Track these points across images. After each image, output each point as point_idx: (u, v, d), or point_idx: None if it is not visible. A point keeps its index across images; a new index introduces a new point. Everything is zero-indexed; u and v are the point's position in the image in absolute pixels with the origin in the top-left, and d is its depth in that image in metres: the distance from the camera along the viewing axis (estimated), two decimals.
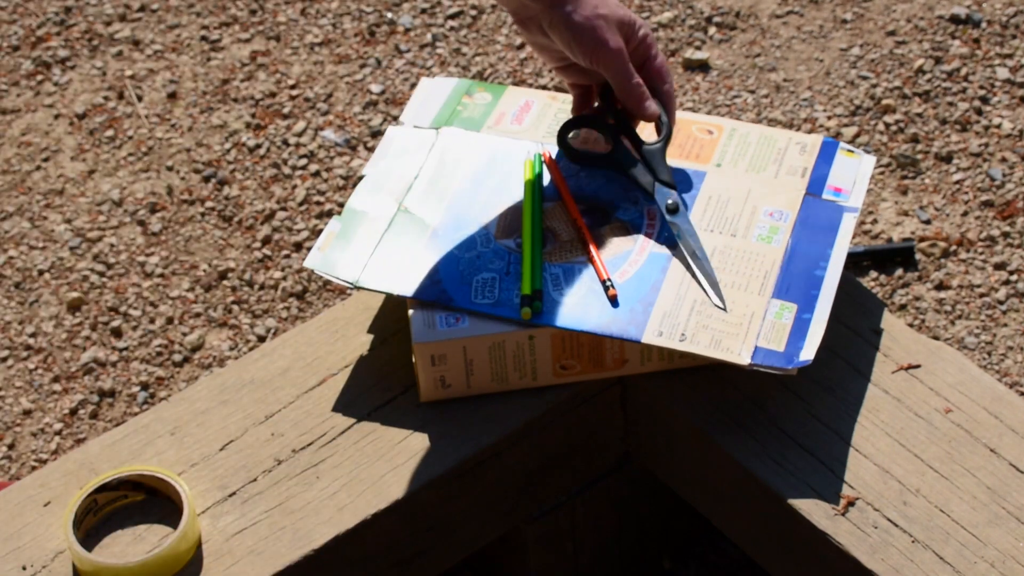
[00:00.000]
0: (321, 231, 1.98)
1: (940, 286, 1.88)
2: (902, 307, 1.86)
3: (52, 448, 1.79)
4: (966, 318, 1.84)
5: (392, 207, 1.36)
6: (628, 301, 1.27)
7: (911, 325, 1.83)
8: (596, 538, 1.47)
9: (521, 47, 2.23)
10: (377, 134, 2.11)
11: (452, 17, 2.28)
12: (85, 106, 2.18)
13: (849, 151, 1.40)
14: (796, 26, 2.24)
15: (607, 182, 1.37)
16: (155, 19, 2.32)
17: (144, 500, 1.24)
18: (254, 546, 1.21)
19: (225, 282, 1.95)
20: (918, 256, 1.91)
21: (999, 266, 1.89)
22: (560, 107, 1.45)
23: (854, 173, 1.38)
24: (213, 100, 2.18)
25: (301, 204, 2.02)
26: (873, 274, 1.89)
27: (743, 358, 1.22)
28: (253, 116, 2.15)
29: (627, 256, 1.31)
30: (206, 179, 2.07)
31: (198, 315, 1.91)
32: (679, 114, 1.43)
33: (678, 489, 1.37)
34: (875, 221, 1.96)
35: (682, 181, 1.37)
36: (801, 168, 1.38)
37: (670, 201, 1.32)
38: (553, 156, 1.39)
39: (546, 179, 1.37)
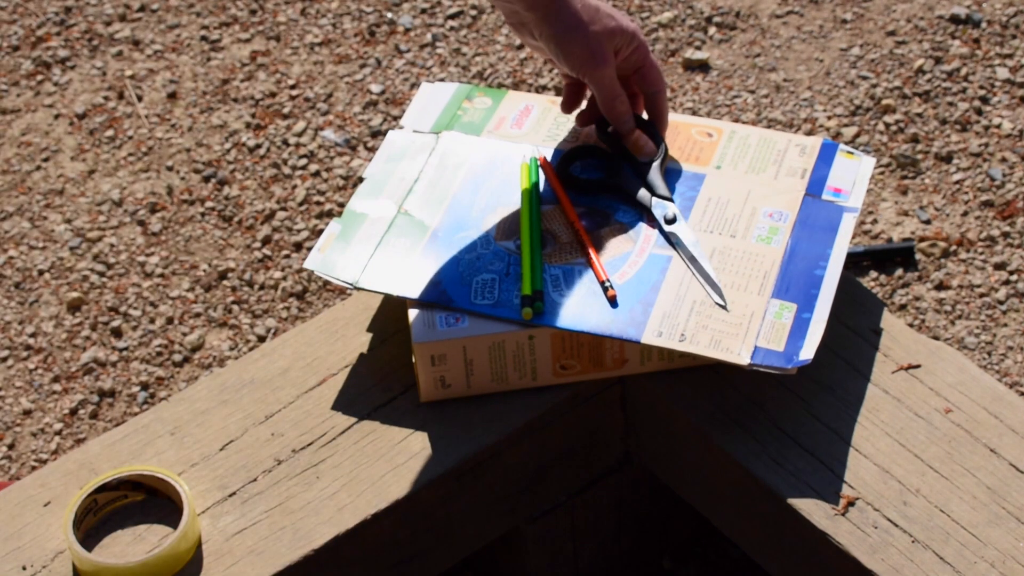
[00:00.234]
0: (321, 231, 1.98)
1: (940, 286, 1.88)
2: (902, 307, 1.86)
3: (52, 448, 1.79)
4: (966, 318, 1.84)
5: (392, 209, 1.36)
6: (628, 301, 1.27)
7: (911, 325, 1.83)
8: (596, 538, 1.47)
9: (521, 47, 2.23)
10: (377, 134, 2.11)
11: (452, 17, 2.28)
12: (85, 106, 2.18)
13: (849, 152, 1.40)
14: (796, 26, 2.24)
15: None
16: (155, 19, 2.32)
17: (144, 500, 1.24)
18: (254, 546, 1.21)
19: (225, 282, 1.95)
20: (918, 256, 1.91)
21: (999, 266, 1.89)
22: (560, 111, 1.45)
23: (854, 174, 1.38)
24: (213, 100, 2.18)
25: (301, 204, 2.03)
26: (873, 274, 1.90)
27: (743, 358, 1.22)
28: (253, 116, 2.15)
29: (627, 257, 1.31)
30: (206, 179, 2.07)
31: (198, 315, 1.91)
32: (679, 116, 1.43)
33: (678, 489, 1.37)
34: (875, 221, 1.96)
35: (681, 184, 1.37)
36: (801, 169, 1.38)
37: (668, 213, 1.32)
38: (549, 159, 1.39)
39: (543, 182, 1.38)
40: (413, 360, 1.29)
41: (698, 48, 2.21)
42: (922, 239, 1.93)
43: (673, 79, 2.16)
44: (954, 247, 1.92)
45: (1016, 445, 1.23)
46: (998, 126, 2.06)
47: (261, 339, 1.88)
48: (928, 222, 1.95)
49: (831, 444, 1.24)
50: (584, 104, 1.40)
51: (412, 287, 1.29)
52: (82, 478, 1.26)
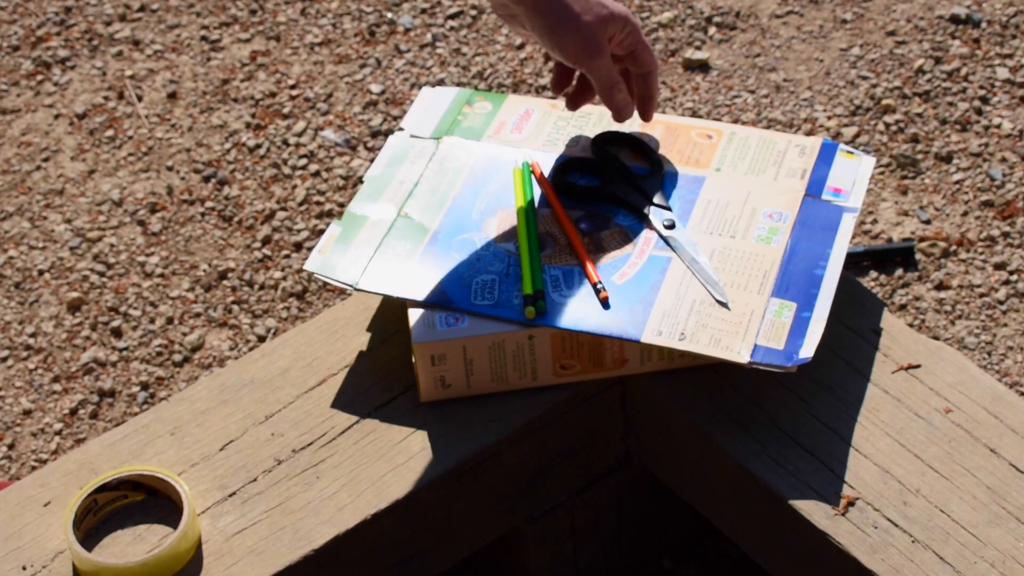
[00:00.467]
0: (321, 231, 1.98)
1: (940, 286, 1.88)
2: (902, 307, 1.86)
3: (52, 448, 1.79)
4: (966, 318, 1.84)
5: (392, 212, 1.36)
6: (628, 301, 1.27)
7: (911, 325, 1.83)
8: (596, 538, 1.47)
9: (521, 47, 2.23)
10: (377, 134, 2.11)
11: (452, 17, 2.28)
12: (85, 106, 2.18)
13: (848, 152, 1.40)
14: (796, 26, 2.24)
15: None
16: (155, 19, 2.32)
17: (144, 500, 1.24)
18: (254, 546, 1.21)
19: (225, 282, 1.95)
20: (918, 256, 1.91)
21: (999, 266, 1.89)
22: (560, 115, 1.45)
23: (853, 174, 1.38)
24: (213, 100, 2.18)
25: (301, 204, 2.03)
26: (873, 274, 1.90)
27: (743, 356, 1.22)
28: (253, 116, 2.15)
29: (627, 259, 1.31)
30: (206, 179, 2.07)
31: (198, 315, 1.91)
32: (678, 118, 1.43)
33: (678, 489, 1.37)
34: (875, 221, 1.96)
35: (681, 187, 1.37)
36: (800, 170, 1.38)
37: (665, 220, 1.33)
38: (549, 163, 1.40)
39: (537, 187, 1.38)
40: (413, 360, 1.29)
41: (698, 48, 2.21)
42: (922, 239, 1.93)
43: (673, 79, 2.17)
44: (954, 247, 1.92)
45: (1016, 445, 1.24)
46: (998, 126, 2.06)
47: (261, 339, 1.88)
48: (928, 222, 1.95)
49: (831, 444, 1.24)
50: (574, 83, 1.39)
51: (412, 288, 1.29)
52: (82, 478, 1.26)
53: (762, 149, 1.41)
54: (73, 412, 1.82)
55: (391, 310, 1.37)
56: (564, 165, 1.38)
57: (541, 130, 1.44)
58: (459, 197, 1.38)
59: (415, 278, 1.30)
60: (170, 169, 2.09)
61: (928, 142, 2.05)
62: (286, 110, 2.15)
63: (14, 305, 1.93)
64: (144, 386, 1.84)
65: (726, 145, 1.41)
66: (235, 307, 1.92)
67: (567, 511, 1.40)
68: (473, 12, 2.29)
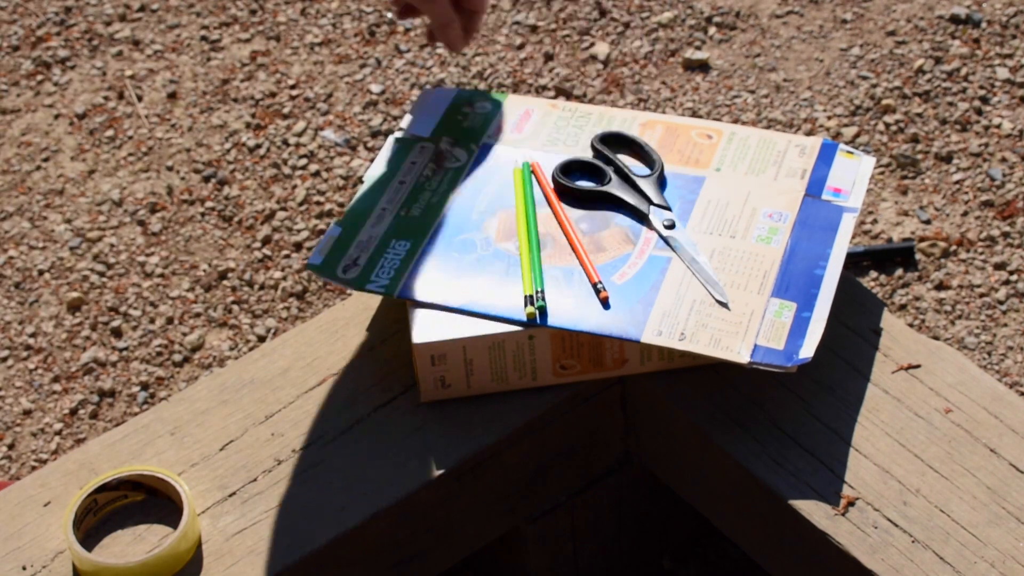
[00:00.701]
0: (321, 231, 1.98)
1: (940, 286, 1.88)
2: (902, 307, 1.86)
3: (52, 448, 1.79)
4: (966, 318, 1.84)
5: (392, 212, 1.36)
6: (628, 301, 1.27)
7: (911, 325, 1.83)
8: (596, 538, 1.47)
9: (521, 47, 2.23)
10: (377, 134, 2.11)
11: None
12: (85, 106, 2.18)
13: (848, 152, 1.40)
14: (796, 26, 2.24)
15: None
16: (155, 19, 2.32)
17: (144, 500, 1.24)
18: (254, 546, 1.21)
19: (225, 282, 1.95)
20: (918, 256, 1.91)
21: (999, 266, 1.89)
22: (560, 115, 1.45)
23: (853, 174, 1.38)
24: (213, 100, 2.18)
25: (301, 204, 2.03)
26: (873, 274, 1.90)
27: (743, 356, 1.22)
28: (253, 116, 2.15)
29: (627, 259, 1.31)
30: (206, 179, 2.07)
31: (198, 315, 1.91)
32: (678, 118, 1.44)
33: (678, 489, 1.37)
34: (875, 221, 1.96)
35: (681, 188, 1.37)
36: (800, 170, 1.38)
37: (665, 220, 1.33)
38: (550, 164, 1.40)
39: (537, 188, 1.38)
40: (413, 360, 1.29)
41: (698, 48, 2.21)
42: (922, 239, 1.93)
43: (673, 79, 2.17)
44: (954, 247, 1.92)
45: (1016, 445, 1.24)
46: (998, 126, 2.06)
47: (261, 339, 1.88)
48: (928, 222, 1.95)
49: (831, 444, 1.24)
50: None
51: (412, 289, 1.29)
52: (82, 478, 1.26)
53: (762, 149, 1.41)
54: (73, 412, 1.82)
55: (391, 310, 1.37)
56: (564, 165, 1.38)
57: (541, 130, 1.44)
58: (459, 197, 1.38)
59: (415, 278, 1.30)
60: (170, 169, 2.09)
61: (928, 142, 2.05)
62: (286, 110, 2.16)
63: (14, 305, 1.93)
64: (144, 386, 1.84)
65: (726, 145, 1.41)
66: (235, 307, 1.92)
67: (567, 511, 1.40)
68: None
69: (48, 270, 1.97)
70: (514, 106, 1.47)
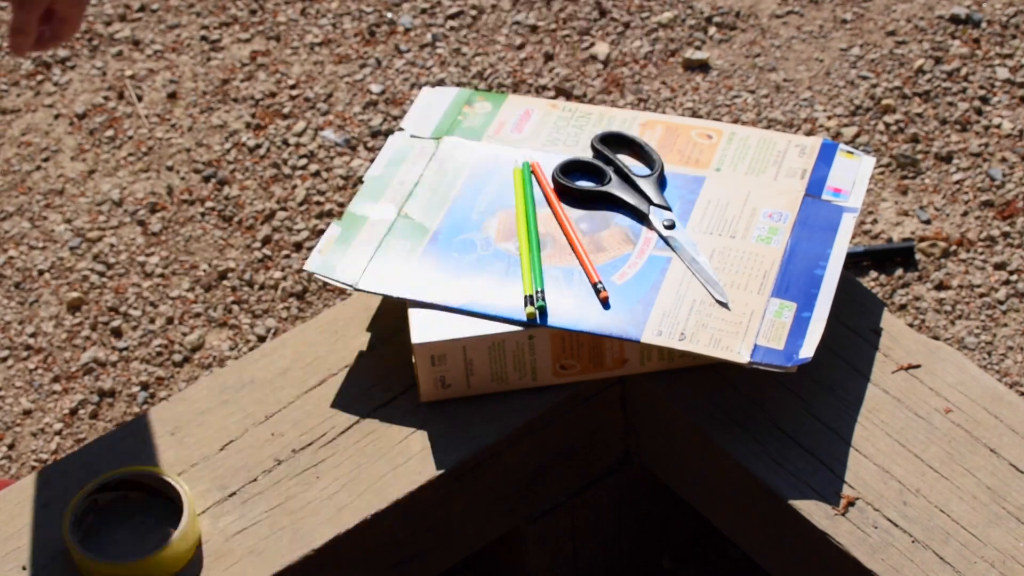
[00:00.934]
0: (321, 231, 1.98)
1: (940, 286, 1.88)
2: (902, 307, 1.86)
3: (52, 448, 1.79)
4: (966, 318, 1.84)
5: (392, 212, 1.36)
6: (628, 301, 1.27)
7: (911, 325, 1.83)
8: (596, 538, 1.47)
9: (521, 47, 2.23)
10: (377, 134, 2.11)
11: (452, 17, 2.28)
12: (85, 106, 2.18)
13: (848, 152, 1.40)
14: (796, 26, 2.24)
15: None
16: (155, 19, 2.32)
17: (144, 500, 1.24)
18: (254, 546, 1.21)
19: (225, 282, 1.95)
20: (918, 256, 1.91)
21: (999, 266, 1.89)
22: (560, 115, 1.45)
23: (853, 174, 1.38)
24: (213, 100, 2.18)
25: (301, 204, 2.03)
26: (873, 274, 1.90)
27: (743, 356, 1.22)
28: (253, 116, 2.15)
29: (627, 259, 1.31)
30: (206, 179, 2.07)
31: (198, 315, 1.91)
32: (678, 118, 1.44)
33: (678, 489, 1.37)
34: (875, 221, 1.96)
35: (681, 188, 1.37)
36: (800, 170, 1.38)
37: (665, 220, 1.33)
38: (550, 164, 1.40)
39: (537, 188, 1.38)
40: (413, 360, 1.29)
41: (698, 48, 2.21)
42: (922, 239, 1.93)
43: (673, 79, 2.17)
44: (954, 247, 1.92)
45: (1016, 445, 1.24)
46: (998, 126, 2.06)
47: (261, 339, 1.88)
48: (928, 222, 1.95)
49: (831, 444, 1.24)
50: None
51: (412, 288, 1.29)
52: (82, 478, 1.26)
53: (762, 149, 1.41)
54: (73, 412, 1.82)
55: (391, 310, 1.37)
56: (564, 165, 1.38)
57: (541, 130, 1.44)
58: (459, 197, 1.38)
59: (415, 278, 1.30)
60: (170, 169, 2.09)
61: (928, 142, 2.05)
62: (286, 110, 2.16)
63: (14, 305, 1.93)
64: (144, 386, 1.84)
65: (726, 145, 1.41)
66: (235, 307, 1.92)
67: (567, 511, 1.40)
68: (473, 12, 2.29)
69: (48, 270, 1.97)
70: (514, 106, 1.47)
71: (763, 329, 1.24)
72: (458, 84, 2.17)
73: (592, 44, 2.23)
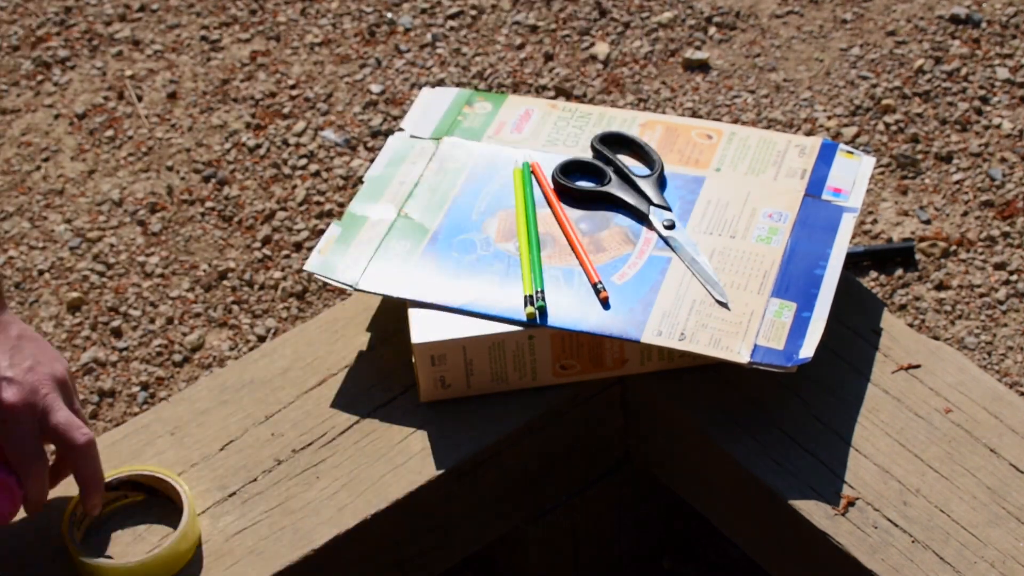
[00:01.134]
0: (321, 231, 1.98)
1: (940, 286, 1.88)
2: (902, 307, 1.86)
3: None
4: (966, 318, 1.84)
5: (392, 213, 1.36)
6: (628, 301, 1.27)
7: (911, 325, 1.83)
8: (596, 538, 1.47)
9: (521, 47, 2.23)
10: (377, 134, 2.11)
11: (452, 17, 2.28)
12: (85, 106, 2.18)
13: (848, 152, 1.40)
14: (796, 26, 2.24)
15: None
16: (155, 19, 2.32)
17: (144, 500, 1.24)
18: (254, 546, 1.21)
19: (225, 282, 1.95)
20: (918, 256, 1.91)
21: (999, 266, 1.89)
22: (560, 115, 1.45)
23: (853, 174, 1.38)
24: (213, 100, 2.18)
25: (301, 204, 2.03)
26: (873, 274, 1.90)
27: (743, 356, 1.22)
28: (253, 116, 2.15)
29: (627, 259, 1.31)
30: (206, 179, 2.07)
31: (198, 315, 1.91)
32: (678, 118, 1.43)
33: (678, 489, 1.37)
34: (875, 221, 1.96)
35: (681, 188, 1.37)
36: (800, 170, 1.38)
37: (665, 220, 1.33)
38: (550, 164, 1.40)
39: (537, 188, 1.38)
40: (413, 360, 1.29)
41: (698, 48, 2.21)
42: (922, 239, 1.93)
43: (673, 79, 2.17)
44: (954, 247, 1.92)
45: (1016, 445, 1.23)
46: (998, 126, 2.06)
47: (261, 339, 1.88)
48: (928, 222, 1.95)
49: (831, 444, 1.24)
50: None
51: (412, 289, 1.29)
52: None
53: (762, 149, 1.41)
54: None
55: (391, 310, 1.37)
56: (564, 165, 1.38)
57: (541, 130, 1.44)
58: (459, 197, 1.38)
59: (415, 278, 1.30)
60: (170, 169, 2.09)
61: (928, 142, 2.05)
62: (286, 110, 2.15)
63: (14, 305, 1.93)
64: (144, 386, 1.84)
65: (726, 145, 1.41)
66: (235, 307, 1.92)
67: (567, 511, 1.40)
68: (473, 12, 2.29)
69: (48, 270, 1.97)
70: (514, 106, 1.47)
71: (763, 329, 1.24)
72: (458, 84, 2.17)
73: (592, 44, 2.23)
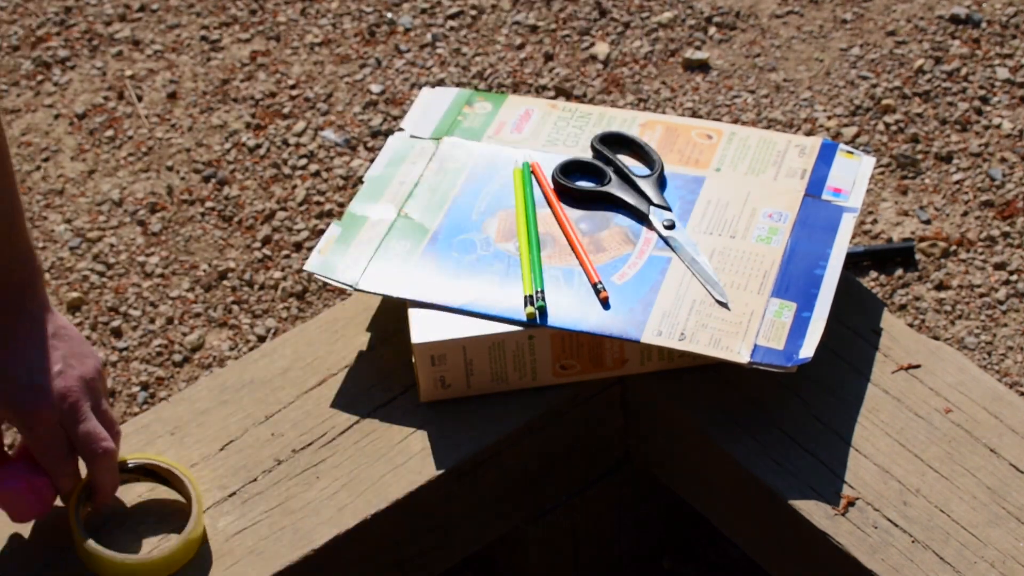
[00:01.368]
0: (321, 231, 1.98)
1: (940, 286, 1.88)
2: (902, 307, 1.86)
3: None
4: (966, 318, 1.84)
5: (392, 213, 1.37)
6: (628, 301, 1.27)
7: (911, 325, 1.83)
8: (596, 538, 1.47)
9: (521, 47, 2.23)
10: (377, 134, 2.11)
11: (452, 17, 2.28)
12: (85, 106, 2.18)
13: (848, 152, 1.40)
14: (796, 26, 2.24)
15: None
16: (155, 19, 2.32)
17: (145, 499, 1.24)
18: (254, 546, 1.21)
19: (225, 282, 1.95)
20: (918, 256, 1.91)
21: (999, 266, 1.89)
22: (560, 115, 1.45)
23: (853, 174, 1.38)
24: (213, 100, 2.18)
25: (301, 204, 2.03)
26: (873, 274, 1.90)
27: (743, 356, 1.22)
28: (253, 116, 2.15)
29: (627, 259, 1.31)
30: (206, 179, 2.07)
31: (198, 315, 1.91)
32: (678, 118, 1.43)
33: (678, 489, 1.37)
34: (875, 221, 1.96)
35: (681, 188, 1.37)
36: (800, 170, 1.38)
37: (665, 220, 1.33)
38: (550, 164, 1.40)
39: (537, 188, 1.38)
40: (413, 360, 1.29)
41: (698, 48, 2.21)
42: (922, 239, 1.93)
43: (673, 79, 2.17)
44: (954, 247, 1.92)
45: (1016, 445, 1.23)
46: (998, 126, 2.06)
47: (261, 339, 1.88)
48: (928, 222, 1.95)
49: (831, 444, 1.24)
50: None
51: (412, 289, 1.29)
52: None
53: (762, 149, 1.41)
54: None
55: (391, 310, 1.37)
56: (564, 165, 1.38)
57: (541, 130, 1.44)
58: (459, 197, 1.38)
59: (415, 278, 1.30)
60: (170, 169, 2.09)
61: (928, 142, 2.05)
62: (286, 110, 2.15)
63: None
64: (144, 386, 1.84)
65: (726, 145, 1.41)
66: (235, 307, 1.92)
67: (567, 511, 1.40)
68: (473, 12, 2.29)
69: (48, 270, 1.97)
70: (514, 106, 1.47)
71: (763, 329, 1.24)
72: (458, 84, 2.17)
73: (592, 44, 2.23)
